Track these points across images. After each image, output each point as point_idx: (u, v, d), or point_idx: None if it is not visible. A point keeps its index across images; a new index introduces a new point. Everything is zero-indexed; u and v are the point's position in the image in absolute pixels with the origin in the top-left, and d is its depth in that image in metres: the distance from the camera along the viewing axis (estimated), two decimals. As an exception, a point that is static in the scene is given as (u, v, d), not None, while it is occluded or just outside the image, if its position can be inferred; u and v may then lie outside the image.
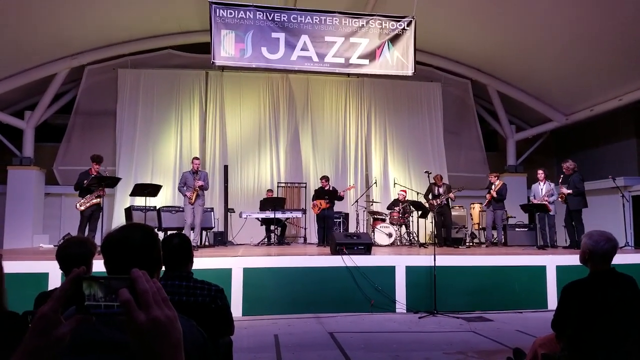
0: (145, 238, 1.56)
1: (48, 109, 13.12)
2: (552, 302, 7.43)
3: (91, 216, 8.98)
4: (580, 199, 9.76)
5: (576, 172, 9.91)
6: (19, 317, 1.99)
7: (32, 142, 12.98)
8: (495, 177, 11.22)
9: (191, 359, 1.36)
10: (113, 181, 9.53)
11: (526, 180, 14.47)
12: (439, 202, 10.72)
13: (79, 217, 9.02)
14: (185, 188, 9.43)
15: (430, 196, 10.94)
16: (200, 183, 9.37)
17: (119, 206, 12.41)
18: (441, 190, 10.95)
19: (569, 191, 9.74)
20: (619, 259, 6.47)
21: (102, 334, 1.30)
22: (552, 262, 7.78)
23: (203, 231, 10.97)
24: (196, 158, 9.92)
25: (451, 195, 10.81)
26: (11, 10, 9.80)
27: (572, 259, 7.47)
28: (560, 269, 7.66)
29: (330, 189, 11.18)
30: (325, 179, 11.36)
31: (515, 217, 12.37)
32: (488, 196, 11.04)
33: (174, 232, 9.57)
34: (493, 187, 10.98)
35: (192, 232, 9.43)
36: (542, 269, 7.74)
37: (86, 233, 8.80)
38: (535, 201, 10.48)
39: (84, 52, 12.43)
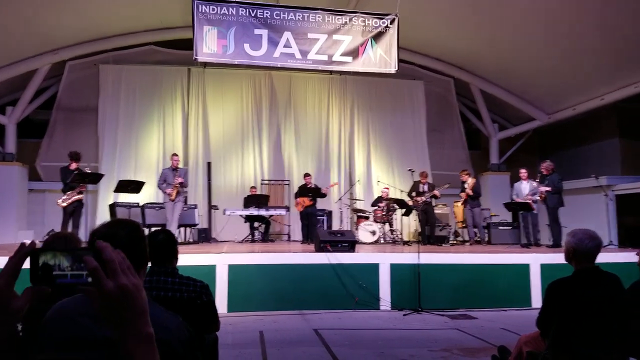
0: (131, 234, 1.54)
1: (30, 104, 12.90)
2: (536, 300, 7.50)
3: (74, 212, 8.87)
4: (558, 197, 9.86)
5: (555, 172, 10.00)
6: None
7: (14, 138, 12.76)
8: (466, 175, 11.22)
9: (178, 354, 1.35)
10: (96, 177, 9.40)
11: (509, 179, 14.58)
12: (423, 200, 10.74)
13: (62, 213, 8.89)
14: (165, 185, 9.32)
15: (414, 194, 10.96)
16: (179, 180, 9.26)
17: (103, 202, 12.26)
18: (426, 187, 10.99)
19: (548, 188, 9.83)
20: (603, 258, 6.57)
21: (91, 330, 1.28)
22: (536, 261, 7.84)
23: (187, 228, 10.92)
24: (175, 154, 9.79)
25: (436, 192, 10.85)
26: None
27: (556, 257, 7.55)
28: (544, 267, 7.73)
29: (313, 186, 11.17)
30: (308, 176, 11.35)
31: (498, 216, 12.48)
32: (463, 195, 11.02)
33: (159, 228, 9.52)
34: (466, 185, 11.01)
35: (179, 229, 9.38)
36: (525, 267, 7.80)
37: (69, 229, 8.70)
38: (518, 200, 10.55)
39: (65, 48, 12.22)
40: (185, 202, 10.43)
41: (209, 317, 2.91)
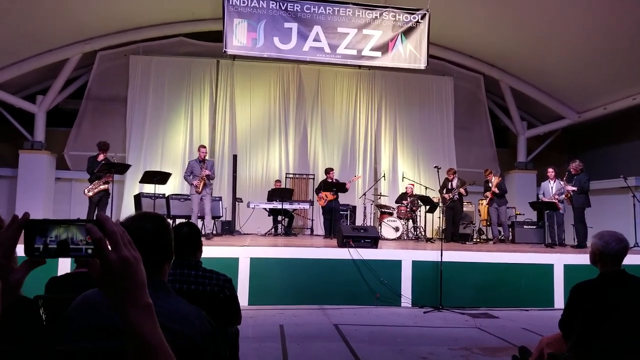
0: (158, 228, 1.56)
1: (60, 93, 13.17)
2: (559, 300, 7.39)
3: (99, 202, 9.01)
4: (585, 197, 9.70)
5: (583, 172, 9.83)
6: (30, 301, 2.01)
7: (43, 127, 13.05)
8: (489, 174, 11.13)
9: (199, 347, 1.37)
10: (123, 168, 9.55)
11: (536, 178, 14.37)
12: (451, 197, 10.68)
13: (87, 203, 9.06)
14: (191, 177, 9.28)
15: (444, 190, 10.92)
16: (207, 172, 9.21)
17: (128, 193, 12.47)
18: (454, 184, 10.92)
19: (574, 188, 9.68)
20: (629, 260, 6.43)
21: (114, 320, 1.31)
22: (560, 261, 7.73)
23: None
24: (202, 146, 9.72)
25: (462, 190, 10.77)
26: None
27: (581, 258, 7.44)
28: (567, 268, 7.62)
29: (335, 181, 11.17)
30: (331, 170, 11.35)
31: (524, 215, 12.31)
32: (489, 194, 10.94)
33: (183, 220, 9.65)
34: (490, 184, 10.90)
35: (200, 220, 9.42)
36: (549, 267, 7.70)
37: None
38: (544, 199, 10.40)
39: (96, 38, 12.45)
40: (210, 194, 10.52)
41: (232, 311, 2.94)
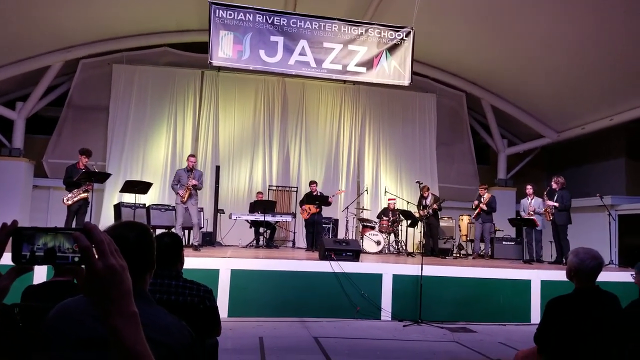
0: (140, 237, 1.56)
1: (40, 100, 12.97)
2: (536, 316, 7.50)
3: (78, 211, 8.86)
4: (567, 214, 9.90)
5: (564, 188, 10.02)
6: (6, 308, 1.99)
7: (22, 134, 12.84)
8: (484, 189, 11.30)
9: (179, 357, 1.38)
10: (103, 177, 9.42)
11: (515, 195, 14.59)
12: (425, 213, 10.81)
13: (66, 211, 8.93)
14: (178, 186, 9.15)
15: (420, 207, 11.06)
16: (194, 182, 9.10)
17: (108, 202, 12.31)
18: (428, 200, 11.07)
19: (555, 204, 9.85)
20: (603, 277, 6.52)
21: (95, 330, 1.31)
22: (537, 277, 7.86)
23: (190, 231, 10.93)
24: (192, 155, 9.62)
25: (435, 206, 10.92)
26: (8, 1, 9.74)
27: (557, 274, 7.56)
28: (544, 284, 7.75)
29: (318, 194, 11.20)
30: (314, 183, 11.38)
31: (502, 231, 12.46)
32: (477, 209, 11.10)
33: (164, 231, 9.57)
34: (482, 199, 11.06)
35: (184, 232, 9.32)
36: (527, 283, 7.82)
37: (73, 228, 8.71)
38: (524, 216, 10.57)
39: (79, 46, 12.32)
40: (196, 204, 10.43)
41: (211, 322, 2.93)
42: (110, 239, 0.91)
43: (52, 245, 0.89)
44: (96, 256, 0.87)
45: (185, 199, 9.05)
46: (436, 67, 13.99)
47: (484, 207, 10.93)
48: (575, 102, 12.73)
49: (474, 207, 11.27)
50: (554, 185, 10.06)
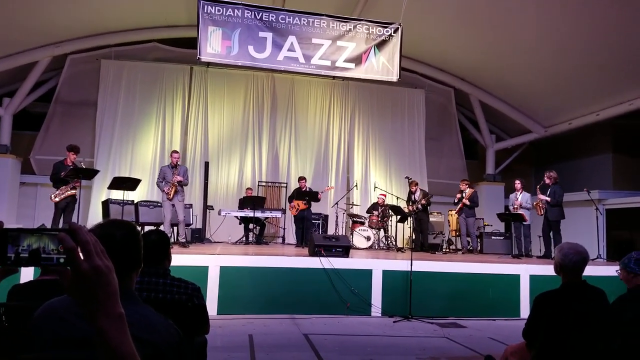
0: (127, 236, 1.55)
1: (27, 96, 12.85)
2: (525, 310, 7.54)
3: (66, 208, 8.77)
4: (559, 209, 9.93)
5: (557, 184, 10.07)
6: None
7: (9, 130, 12.72)
8: (465, 184, 11.31)
9: (166, 356, 1.37)
10: (91, 173, 9.35)
11: (504, 190, 14.69)
12: (414, 208, 10.84)
13: (53, 208, 8.84)
14: (163, 183, 9.04)
15: (409, 202, 11.09)
16: (179, 178, 8.97)
17: (96, 199, 12.24)
18: (416, 196, 11.09)
19: (547, 198, 9.90)
20: (591, 271, 6.57)
21: (81, 329, 1.30)
22: (526, 272, 7.90)
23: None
24: (175, 151, 9.50)
25: (423, 201, 10.95)
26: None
27: (546, 269, 7.62)
28: (533, 279, 7.79)
29: (307, 190, 11.20)
30: (303, 179, 11.37)
31: (491, 226, 12.55)
32: (464, 201, 11.11)
33: (152, 228, 9.50)
34: (464, 194, 11.09)
35: (172, 228, 9.26)
36: (516, 278, 7.86)
37: (60, 225, 8.65)
38: (512, 210, 10.65)
39: (67, 41, 12.22)
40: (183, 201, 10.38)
41: (200, 320, 2.92)
42: (96, 239, 0.91)
43: (36, 246, 0.89)
44: (82, 257, 0.87)
45: (172, 195, 8.94)
46: (424, 63, 14.03)
47: (467, 203, 10.96)
48: (562, 98, 12.83)
49: (455, 201, 11.32)
50: (547, 180, 10.08)
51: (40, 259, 0.89)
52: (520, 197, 10.60)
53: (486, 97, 14.37)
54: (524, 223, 10.40)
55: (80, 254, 0.87)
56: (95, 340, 0.88)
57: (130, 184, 9.27)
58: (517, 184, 10.77)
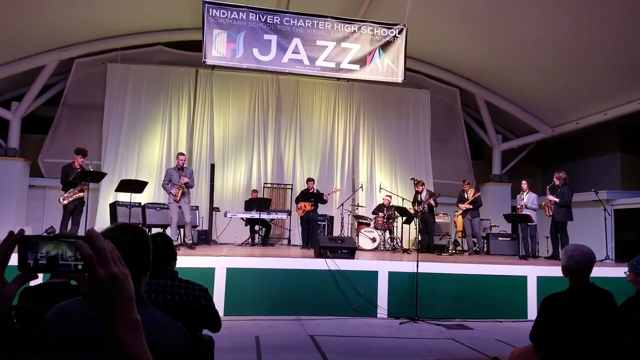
0: (136, 240, 1.57)
1: (35, 100, 12.98)
2: (532, 312, 7.49)
3: (74, 210, 8.86)
4: (567, 211, 9.83)
5: (566, 184, 9.98)
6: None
7: (17, 133, 12.83)
8: (467, 185, 11.27)
9: (174, 358, 1.38)
10: (98, 176, 9.42)
11: (510, 190, 14.63)
12: (420, 209, 10.81)
13: (62, 210, 8.92)
14: (169, 185, 9.08)
15: (415, 203, 11.06)
16: (185, 180, 9.03)
17: (103, 201, 12.31)
18: (423, 195, 11.06)
19: (556, 199, 9.83)
20: (599, 272, 6.53)
21: (91, 332, 1.32)
22: (533, 273, 7.85)
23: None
24: (181, 154, 9.57)
25: (430, 201, 10.91)
26: (4, 1, 9.70)
27: (553, 270, 7.59)
28: (541, 280, 7.74)
29: (315, 191, 11.21)
30: (311, 180, 11.39)
31: (498, 227, 12.50)
32: (463, 206, 11.05)
33: (159, 230, 9.57)
34: (466, 194, 11.05)
35: (179, 230, 9.30)
36: (523, 279, 7.81)
37: (69, 227, 8.72)
38: (517, 211, 10.61)
39: (74, 45, 12.30)
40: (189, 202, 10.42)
41: (209, 320, 2.95)
42: (113, 246, 0.92)
43: (54, 253, 0.90)
44: (98, 264, 0.88)
45: (179, 197, 9.01)
46: (429, 63, 14.00)
47: (469, 207, 10.92)
48: (569, 97, 12.76)
49: (458, 203, 11.26)
50: (556, 182, 10.00)
51: (58, 266, 0.90)
52: (526, 198, 10.53)
53: (492, 97, 14.32)
54: (530, 224, 10.35)
55: (97, 261, 0.88)
56: (111, 347, 0.90)
57: (137, 186, 9.32)
58: (524, 184, 10.71)
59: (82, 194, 8.88)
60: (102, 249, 0.88)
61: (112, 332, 0.89)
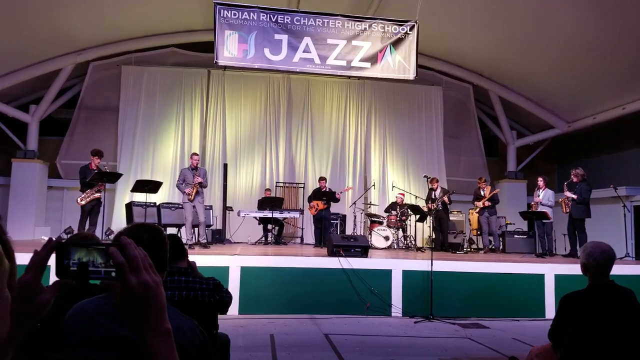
0: (153, 239, 1.58)
1: (53, 103, 13.23)
2: (550, 311, 7.39)
3: (91, 211, 8.99)
4: (585, 208, 9.67)
5: (584, 181, 9.82)
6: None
7: (36, 136, 13.10)
8: (483, 182, 11.17)
9: (192, 357, 1.40)
10: (114, 177, 9.53)
11: (526, 187, 14.48)
12: (434, 206, 10.73)
13: (80, 211, 9.04)
14: (184, 185, 9.15)
15: (430, 201, 10.99)
16: (199, 180, 9.10)
17: (119, 201, 12.46)
18: (437, 193, 10.99)
19: (574, 196, 9.68)
20: (619, 270, 6.44)
21: (111, 330, 1.33)
22: (551, 271, 7.74)
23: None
24: (195, 154, 9.61)
25: (445, 199, 10.84)
26: (18, 5, 9.85)
27: (571, 268, 7.49)
28: (558, 278, 7.63)
29: (327, 190, 11.21)
30: (323, 179, 11.40)
31: (514, 224, 12.38)
32: (479, 203, 10.95)
33: (174, 229, 9.65)
34: (483, 192, 10.95)
35: (193, 229, 9.36)
36: (540, 277, 7.71)
37: (86, 227, 8.83)
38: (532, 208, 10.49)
39: (89, 49, 12.53)
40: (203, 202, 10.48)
41: (223, 309, 3.01)
42: (145, 253, 0.92)
43: (85, 260, 0.91)
44: (130, 272, 0.88)
45: (193, 197, 9.09)
46: (441, 60, 13.91)
47: (487, 204, 10.82)
48: (585, 92, 12.56)
49: (474, 201, 11.15)
50: (574, 179, 9.84)
51: (88, 272, 0.91)
52: (542, 195, 10.38)
53: (506, 92, 14.17)
54: (546, 221, 10.21)
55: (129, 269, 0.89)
56: (142, 355, 0.89)
57: (152, 186, 9.40)
58: (540, 181, 10.56)
59: (99, 194, 9.01)
60: (134, 257, 0.89)
61: (143, 341, 0.89)
